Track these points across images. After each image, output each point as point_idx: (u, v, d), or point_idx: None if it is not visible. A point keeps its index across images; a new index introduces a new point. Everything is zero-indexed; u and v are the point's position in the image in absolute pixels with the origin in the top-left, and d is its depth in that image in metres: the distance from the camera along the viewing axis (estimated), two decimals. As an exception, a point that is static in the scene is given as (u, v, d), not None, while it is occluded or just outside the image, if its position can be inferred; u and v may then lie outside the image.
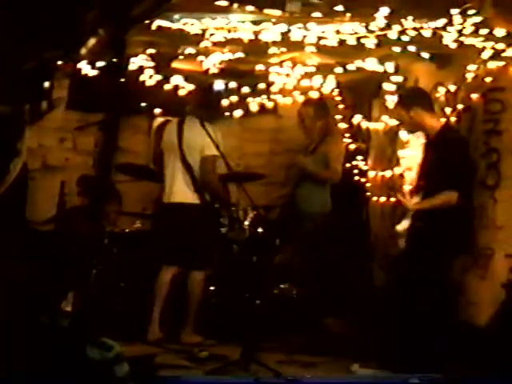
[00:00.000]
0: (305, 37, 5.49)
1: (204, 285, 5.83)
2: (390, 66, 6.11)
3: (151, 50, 5.95)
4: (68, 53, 4.11)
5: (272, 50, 5.77)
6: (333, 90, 6.69)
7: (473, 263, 5.38)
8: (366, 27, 5.31)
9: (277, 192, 7.03)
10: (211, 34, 5.50)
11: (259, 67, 6.31)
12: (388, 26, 5.26)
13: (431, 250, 4.98)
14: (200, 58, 6.03)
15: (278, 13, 5.17)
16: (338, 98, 6.84)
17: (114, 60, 3.83)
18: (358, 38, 5.45)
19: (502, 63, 5.43)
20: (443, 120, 5.57)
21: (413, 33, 5.27)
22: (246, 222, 6.15)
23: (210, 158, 5.81)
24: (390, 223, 6.09)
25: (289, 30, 5.39)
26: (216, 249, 6.03)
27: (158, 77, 6.29)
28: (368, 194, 6.79)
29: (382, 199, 6.54)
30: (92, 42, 4.72)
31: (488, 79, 5.50)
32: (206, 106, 6.10)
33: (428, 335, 4.77)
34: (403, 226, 5.20)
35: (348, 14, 5.16)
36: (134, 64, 6.04)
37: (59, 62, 4.08)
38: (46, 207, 6.54)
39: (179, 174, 5.89)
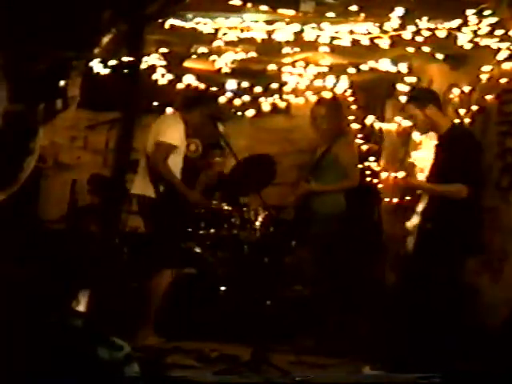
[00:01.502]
0: (318, 37, 5.47)
1: (167, 285, 5.52)
2: (403, 67, 6.09)
3: (164, 49, 5.95)
4: (82, 52, 4.09)
5: (285, 49, 5.75)
6: (346, 91, 6.67)
7: (486, 266, 5.34)
8: (380, 27, 5.28)
9: (289, 192, 7.01)
10: (224, 34, 5.49)
11: (272, 67, 6.29)
12: (402, 27, 5.24)
13: (441, 248, 4.95)
14: (213, 57, 6.03)
15: (291, 12, 5.14)
16: (351, 99, 6.81)
17: (130, 59, 3.82)
18: (372, 39, 5.43)
19: (516, 64, 5.39)
20: (456, 120, 5.54)
21: (427, 33, 5.24)
22: (258, 223, 6.15)
23: (164, 146, 5.47)
24: (401, 223, 6.05)
25: (302, 30, 5.37)
26: (184, 247, 5.87)
27: (170, 76, 6.28)
28: (380, 194, 6.76)
29: (395, 200, 6.50)
30: (106, 40, 4.71)
31: (503, 80, 5.46)
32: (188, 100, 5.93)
33: (439, 335, 4.73)
34: (413, 223, 5.19)
35: (362, 14, 5.13)
36: (146, 63, 6.04)
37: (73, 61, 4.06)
38: (57, 205, 6.55)
39: (142, 163, 5.63)
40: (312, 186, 6.08)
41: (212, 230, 6.19)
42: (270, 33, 5.44)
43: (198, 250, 6.22)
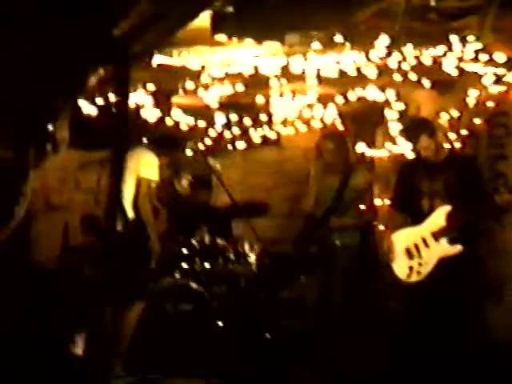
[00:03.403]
0: (305, 68, 5.50)
1: (136, 321, 5.37)
2: (391, 94, 6.11)
3: (151, 86, 5.96)
4: (71, 94, 4.09)
5: (272, 82, 5.78)
6: (335, 120, 6.68)
7: (486, 289, 5.32)
8: (366, 56, 5.31)
9: (282, 224, 6.99)
10: (211, 69, 5.51)
11: (260, 99, 6.31)
12: (388, 55, 5.27)
13: (443, 276, 4.95)
14: (200, 92, 6.04)
15: (277, 45, 5.17)
16: (341, 128, 6.82)
17: (118, 98, 3.82)
18: (358, 68, 5.45)
19: (503, 88, 5.42)
20: (448, 147, 5.55)
21: (413, 60, 5.27)
22: (252, 256, 6.12)
23: (145, 182, 5.42)
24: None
25: (288, 62, 5.39)
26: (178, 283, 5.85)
27: (159, 112, 6.29)
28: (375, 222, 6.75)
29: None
30: (93, 80, 4.72)
31: (491, 104, 5.49)
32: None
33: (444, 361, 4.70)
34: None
35: (348, 44, 5.16)
36: (133, 100, 6.05)
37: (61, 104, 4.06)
38: (50, 247, 6.49)
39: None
40: (340, 221, 6.06)
41: (207, 265, 6.17)
42: (256, 66, 5.48)
43: (193, 285, 6.19)
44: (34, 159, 3.97)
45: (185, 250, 6.06)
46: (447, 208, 4.98)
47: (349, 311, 5.91)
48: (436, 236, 5.03)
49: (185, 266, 6.05)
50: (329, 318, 5.92)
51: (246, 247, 6.21)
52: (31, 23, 3.65)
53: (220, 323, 5.93)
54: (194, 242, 6.11)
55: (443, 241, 5.00)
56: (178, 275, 5.99)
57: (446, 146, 5.57)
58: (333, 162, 6.08)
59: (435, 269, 5.01)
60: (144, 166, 5.47)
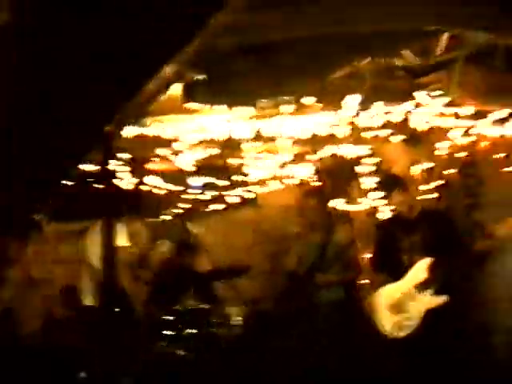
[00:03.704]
0: (277, 130, 5.58)
1: None
2: (363, 150, 6.20)
3: (123, 155, 5.99)
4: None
5: (246, 144, 5.85)
6: (311, 177, 6.75)
7: (474, 338, 5.34)
8: (337, 115, 5.41)
9: (263, 283, 6.98)
10: (184, 136, 5.57)
11: (234, 161, 6.37)
12: (358, 113, 5.37)
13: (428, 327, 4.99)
14: (174, 158, 6.09)
15: (249, 110, 5.25)
16: (317, 184, 6.89)
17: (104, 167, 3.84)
18: (330, 127, 5.55)
19: (472, 138, 5.54)
20: (421, 199, 5.64)
21: (383, 117, 5.37)
22: (237, 318, 6.10)
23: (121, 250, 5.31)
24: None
25: (261, 126, 5.47)
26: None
27: (134, 180, 6.31)
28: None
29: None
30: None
31: (461, 155, 5.60)
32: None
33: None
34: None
35: (319, 105, 5.26)
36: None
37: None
38: (32, 320, 6.43)
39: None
40: (321, 280, 6.08)
41: (191, 330, 6.13)
42: (229, 131, 5.55)
43: (180, 351, 6.14)
44: (16, 247, 3.96)
45: (169, 317, 6.03)
46: (427, 261, 5.04)
47: (335, 367, 5.89)
48: (419, 289, 5.07)
49: (170, 332, 6.02)
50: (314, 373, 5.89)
51: (229, 309, 6.20)
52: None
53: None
54: (178, 307, 6.09)
55: (427, 293, 5.04)
56: (164, 343, 5.96)
57: (420, 199, 5.66)
58: (314, 219, 6.14)
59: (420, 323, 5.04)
60: (118, 234, 5.48)
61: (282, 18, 3.54)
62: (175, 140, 5.62)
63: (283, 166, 6.49)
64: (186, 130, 5.51)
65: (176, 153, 5.96)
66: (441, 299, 4.98)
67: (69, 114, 3.21)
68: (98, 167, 4.16)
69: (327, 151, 6.13)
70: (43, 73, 3.10)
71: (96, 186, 4.49)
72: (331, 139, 5.84)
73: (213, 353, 6.05)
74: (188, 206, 6.68)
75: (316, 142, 5.89)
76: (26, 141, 3.22)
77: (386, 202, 5.34)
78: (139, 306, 5.60)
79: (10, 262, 3.86)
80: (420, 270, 5.06)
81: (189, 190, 6.65)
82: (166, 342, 5.97)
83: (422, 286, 5.06)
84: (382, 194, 5.30)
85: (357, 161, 6.30)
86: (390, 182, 5.32)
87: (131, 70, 3.16)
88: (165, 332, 5.94)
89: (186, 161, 6.15)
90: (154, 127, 5.42)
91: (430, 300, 5.04)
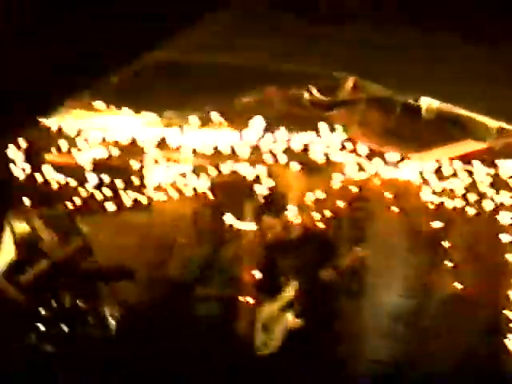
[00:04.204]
0: (180, 141, 5.63)
1: None
2: (262, 171, 6.33)
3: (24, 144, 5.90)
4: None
5: (147, 150, 5.86)
6: (207, 190, 6.82)
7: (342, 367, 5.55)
8: (240, 135, 5.52)
9: (146, 289, 6.98)
10: (87, 133, 5.54)
11: (134, 164, 6.37)
12: (261, 136, 5.50)
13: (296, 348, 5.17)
14: (74, 152, 6.04)
15: (154, 117, 5.29)
16: (212, 198, 6.97)
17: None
18: (232, 145, 5.65)
19: (365, 175, 5.76)
20: (303, 223, 5.85)
21: (284, 143, 5.52)
22: (114, 320, 6.08)
23: None
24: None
25: (165, 134, 5.51)
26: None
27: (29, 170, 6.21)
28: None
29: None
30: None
31: (354, 190, 5.82)
32: None
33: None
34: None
35: (224, 122, 5.35)
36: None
37: None
38: None
39: None
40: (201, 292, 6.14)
41: (64, 328, 6.06)
42: (132, 134, 5.56)
43: (49, 348, 6.06)
44: None
45: (44, 311, 5.95)
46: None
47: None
48: (284, 310, 5.28)
49: (42, 327, 5.94)
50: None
51: (107, 311, 6.18)
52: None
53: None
54: (54, 303, 6.02)
55: (289, 315, 5.26)
56: (33, 337, 5.87)
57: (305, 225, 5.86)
58: (205, 232, 6.23)
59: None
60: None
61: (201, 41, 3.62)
62: (77, 135, 5.58)
63: (182, 175, 6.55)
64: (89, 127, 5.49)
65: (77, 148, 5.92)
66: (298, 322, 5.21)
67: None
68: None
69: (227, 168, 6.23)
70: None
71: None
72: (232, 157, 5.95)
73: (84, 351, 6.01)
74: (81, 202, 6.61)
75: (217, 157, 5.97)
76: None
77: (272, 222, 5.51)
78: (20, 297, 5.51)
79: None
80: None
81: (84, 187, 6.60)
82: (38, 337, 5.90)
83: (287, 308, 5.27)
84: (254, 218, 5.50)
85: (254, 182, 6.44)
86: (263, 207, 5.53)
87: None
88: (39, 327, 5.87)
89: (86, 157, 6.11)
90: (57, 120, 5.38)
91: (290, 323, 5.25)
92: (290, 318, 5.33)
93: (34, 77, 3.76)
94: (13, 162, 5.98)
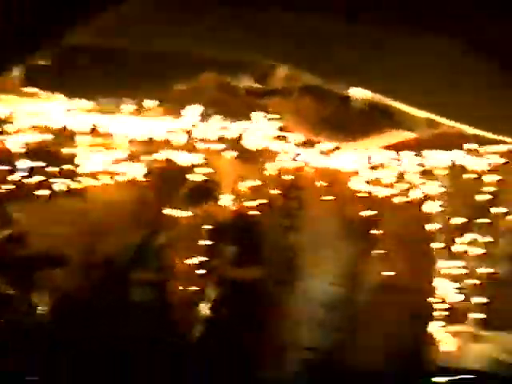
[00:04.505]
0: (114, 127, 5.61)
1: None
2: (196, 158, 6.35)
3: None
4: None
5: (81, 136, 5.82)
6: (142, 177, 6.80)
7: (272, 355, 5.63)
8: (176, 123, 5.53)
9: (79, 275, 6.93)
10: (18, 118, 5.47)
11: (67, 150, 6.30)
12: (196, 123, 5.52)
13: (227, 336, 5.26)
14: (3, 137, 5.94)
15: (88, 103, 5.25)
16: (148, 185, 6.95)
17: None
18: (169, 132, 5.66)
19: (299, 164, 5.84)
20: (237, 210, 5.90)
21: (218, 131, 5.56)
22: (43, 307, 6.03)
23: None
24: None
25: (98, 121, 5.48)
26: None
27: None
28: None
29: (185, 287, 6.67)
30: None
31: (287, 178, 5.89)
32: None
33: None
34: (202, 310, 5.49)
35: (159, 109, 5.36)
36: None
37: None
38: None
39: None
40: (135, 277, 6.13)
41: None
42: (65, 120, 5.51)
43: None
44: None
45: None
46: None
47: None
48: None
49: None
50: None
51: (38, 298, 6.11)
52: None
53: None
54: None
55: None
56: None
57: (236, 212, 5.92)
58: (139, 218, 6.22)
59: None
60: None
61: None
62: (7, 120, 5.50)
63: (116, 162, 6.51)
64: (20, 113, 5.41)
65: (6, 133, 5.83)
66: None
67: None
68: None
69: (162, 155, 6.23)
70: None
71: None
72: (167, 144, 5.95)
73: (14, 340, 5.94)
74: (11, 187, 6.51)
75: (152, 144, 5.97)
76: None
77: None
78: None
79: None
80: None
81: (14, 172, 6.50)
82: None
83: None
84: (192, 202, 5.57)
85: (189, 168, 6.45)
86: (200, 191, 5.59)
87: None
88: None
89: (16, 142, 6.02)
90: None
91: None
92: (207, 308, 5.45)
93: None
94: None
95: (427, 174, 5.57)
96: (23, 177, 6.52)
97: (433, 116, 4.54)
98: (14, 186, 6.55)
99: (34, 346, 5.82)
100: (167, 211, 6.90)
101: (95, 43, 3.91)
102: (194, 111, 5.32)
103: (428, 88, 4.08)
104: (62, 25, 3.05)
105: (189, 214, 6.80)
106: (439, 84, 4.07)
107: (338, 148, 5.57)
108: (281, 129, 5.43)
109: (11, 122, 5.50)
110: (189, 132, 5.61)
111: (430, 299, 6.03)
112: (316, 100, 4.98)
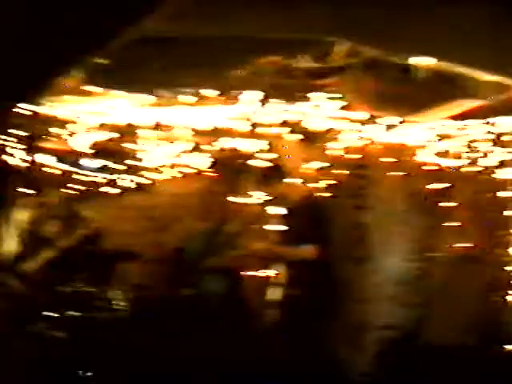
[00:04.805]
0: (176, 119, 5.63)
1: None
2: (260, 145, 6.32)
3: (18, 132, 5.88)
4: None
5: (144, 131, 5.85)
6: (206, 167, 6.82)
7: (347, 336, 5.58)
8: (237, 110, 5.51)
9: (150, 269, 7.01)
10: (82, 119, 5.53)
11: (132, 147, 6.36)
12: (256, 109, 5.48)
13: (302, 318, 5.23)
14: (70, 138, 6.03)
15: (149, 97, 5.27)
16: (212, 175, 6.97)
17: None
18: (229, 120, 5.65)
19: (364, 142, 5.76)
20: (307, 190, 5.87)
21: (280, 115, 5.51)
22: (122, 303, 6.11)
23: None
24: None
25: (159, 114, 5.50)
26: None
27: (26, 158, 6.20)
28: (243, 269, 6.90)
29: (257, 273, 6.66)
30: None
31: (354, 157, 5.82)
32: None
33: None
34: (275, 294, 5.49)
35: (219, 98, 5.34)
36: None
37: None
38: None
39: None
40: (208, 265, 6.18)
41: (73, 313, 6.08)
42: (128, 116, 5.55)
43: (59, 334, 6.08)
44: None
45: (50, 299, 5.97)
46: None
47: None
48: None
49: (52, 314, 5.96)
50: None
51: (114, 294, 6.20)
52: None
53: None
54: (62, 288, 6.04)
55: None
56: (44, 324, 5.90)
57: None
58: (207, 209, 6.27)
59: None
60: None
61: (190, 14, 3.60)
62: (72, 121, 5.57)
63: (179, 155, 6.54)
64: (83, 112, 5.48)
65: (73, 134, 5.91)
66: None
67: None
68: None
69: (224, 144, 6.22)
70: None
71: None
72: (228, 132, 5.94)
73: (93, 336, 6.04)
74: (80, 187, 6.62)
75: (213, 133, 5.96)
76: None
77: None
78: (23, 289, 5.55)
79: None
80: None
81: (82, 172, 6.60)
82: (46, 323, 5.92)
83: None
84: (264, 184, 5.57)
85: (252, 155, 6.44)
86: (272, 172, 5.58)
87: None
88: (46, 313, 5.89)
89: (82, 143, 6.10)
90: (51, 107, 5.36)
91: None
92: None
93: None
94: (9, 151, 6.00)
95: (497, 141, 5.41)
96: (91, 176, 6.63)
97: (501, 79, 4.39)
98: (83, 186, 6.68)
99: (112, 341, 5.90)
100: (235, 199, 6.93)
101: (157, 32, 3.90)
102: (253, 97, 5.28)
103: (494, 51, 3.96)
104: (126, 19, 3.06)
105: (257, 200, 6.81)
106: (507, 46, 3.94)
107: (402, 122, 5.45)
108: (343, 107, 5.34)
109: (76, 123, 5.56)
110: (250, 118, 5.57)
111: (507, 269, 5.88)
112: (377, 74, 4.88)
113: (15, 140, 5.96)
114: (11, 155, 6.06)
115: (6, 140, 5.86)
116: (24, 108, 5.18)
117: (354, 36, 3.91)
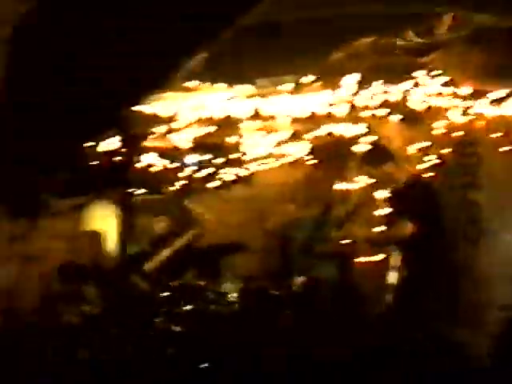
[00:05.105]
0: (275, 109, 5.60)
1: None
2: (361, 128, 6.21)
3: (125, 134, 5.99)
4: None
5: (244, 122, 5.85)
6: (308, 155, 6.76)
7: (466, 317, 5.42)
8: (336, 94, 5.43)
9: (259, 260, 7.01)
10: (182, 114, 5.58)
11: (231, 139, 6.37)
12: (357, 92, 5.39)
13: (418, 302, 5.08)
14: (172, 135, 6.09)
15: (248, 88, 5.26)
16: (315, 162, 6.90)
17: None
18: (329, 106, 5.57)
19: (470, 118, 5.56)
20: (412, 172, 5.72)
21: (381, 96, 5.39)
22: (234, 295, 6.13)
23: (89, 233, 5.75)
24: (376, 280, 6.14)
25: (259, 104, 5.48)
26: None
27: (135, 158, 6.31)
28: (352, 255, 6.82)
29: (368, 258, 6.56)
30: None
31: (459, 134, 5.63)
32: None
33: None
34: (392, 278, 5.37)
35: (317, 84, 5.28)
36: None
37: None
38: (30, 297, 6.44)
39: None
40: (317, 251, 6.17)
41: (187, 307, 6.15)
42: (227, 109, 5.56)
43: (175, 328, 6.17)
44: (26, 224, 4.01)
45: (166, 293, 6.06)
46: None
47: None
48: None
49: (166, 308, 6.05)
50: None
51: (226, 286, 6.23)
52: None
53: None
54: (174, 283, 6.12)
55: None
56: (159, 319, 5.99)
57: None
58: (312, 196, 6.22)
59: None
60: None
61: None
62: (173, 118, 5.63)
63: (280, 144, 6.51)
64: (184, 108, 5.52)
65: (173, 130, 5.97)
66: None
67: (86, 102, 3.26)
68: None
69: (325, 130, 6.15)
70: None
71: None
72: (329, 118, 5.86)
73: (208, 329, 6.09)
74: (184, 183, 6.68)
75: (314, 120, 5.90)
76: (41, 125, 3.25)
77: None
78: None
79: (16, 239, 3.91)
80: None
81: (185, 168, 6.66)
82: (162, 318, 6.01)
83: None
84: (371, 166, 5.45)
85: (354, 139, 6.33)
86: (378, 154, 5.46)
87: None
88: (160, 308, 5.99)
89: (183, 138, 6.15)
90: (152, 104, 5.43)
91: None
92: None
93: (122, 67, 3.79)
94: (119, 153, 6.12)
95: None
96: (194, 171, 6.69)
97: None
98: (186, 182, 6.74)
99: (223, 333, 5.93)
100: (339, 185, 6.84)
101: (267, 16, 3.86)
102: (353, 80, 5.19)
103: None
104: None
105: (361, 184, 6.71)
106: None
107: (510, 95, 5.23)
108: (446, 84, 5.18)
109: (177, 119, 5.61)
110: (350, 102, 5.48)
111: None
112: (482, 46, 4.70)
113: (122, 141, 6.09)
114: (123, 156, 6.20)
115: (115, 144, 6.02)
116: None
117: (461, 5, 3.76)
